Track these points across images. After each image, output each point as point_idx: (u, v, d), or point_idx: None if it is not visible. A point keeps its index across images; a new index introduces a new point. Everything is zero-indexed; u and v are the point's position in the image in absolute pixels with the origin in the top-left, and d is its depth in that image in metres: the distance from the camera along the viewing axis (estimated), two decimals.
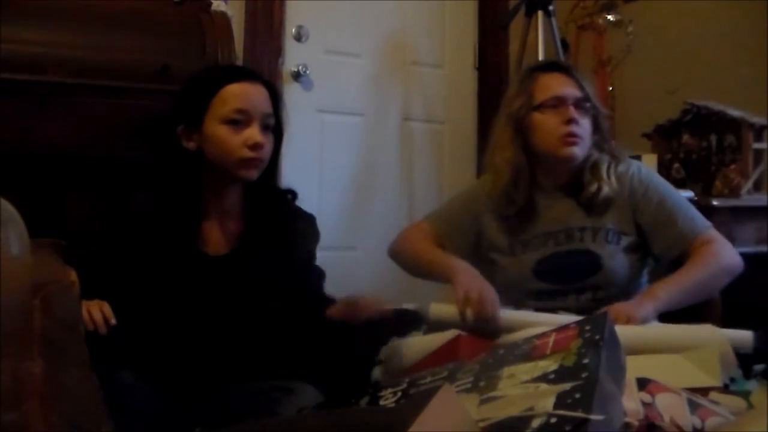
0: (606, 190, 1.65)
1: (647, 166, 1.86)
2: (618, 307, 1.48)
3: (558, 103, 1.65)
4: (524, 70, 1.81)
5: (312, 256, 1.62)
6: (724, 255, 1.61)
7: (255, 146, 1.44)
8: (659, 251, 1.68)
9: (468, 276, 1.58)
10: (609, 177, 1.67)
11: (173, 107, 1.49)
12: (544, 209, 1.71)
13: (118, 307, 1.37)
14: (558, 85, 1.67)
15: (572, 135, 1.63)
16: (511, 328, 1.43)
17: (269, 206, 1.52)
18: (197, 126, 1.45)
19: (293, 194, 1.61)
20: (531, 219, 1.70)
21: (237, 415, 1.33)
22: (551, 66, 1.74)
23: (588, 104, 1.67)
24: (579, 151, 1.65)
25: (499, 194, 1.70)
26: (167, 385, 1.39)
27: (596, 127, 1.69)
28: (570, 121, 1.63)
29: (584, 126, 1.66)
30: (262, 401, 1.35)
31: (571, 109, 1.64)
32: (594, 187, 1.66)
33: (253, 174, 1.47)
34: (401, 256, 1.80)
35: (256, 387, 1.41)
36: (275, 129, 1.51)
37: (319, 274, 1.61)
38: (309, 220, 1.60)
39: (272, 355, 1.47)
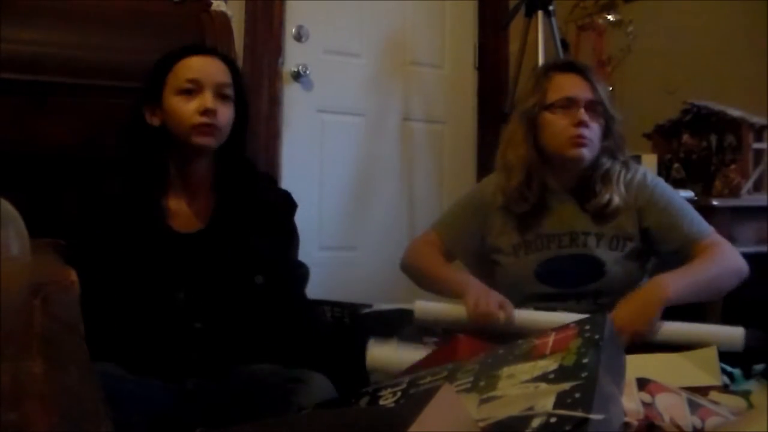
0: (617, 200, 1.65)
1: (651, 171, 1.85)
2: (622, 316, 1.46)
3: (569, 104, 1.64)
4: (541, 68, 1.80)
5: (293, 230, 1.61)
6: (732, 257, 1.61)
7: (206, 112, 1.46)
8: (665, 254, 1.68)
9: (478, 290, 1.58)
10: (619, 186, 1.66)
11: (140, 90, 1.53)
12: (551, 210, 1.71)
13: (102, 294, 1.36)
14: (571, 86, 1.66)
15: (580, 137, 1.62)
16: (521, 331, 1.41)
17: (239, 180, 1.55)
18: (158, 102, 1.50)
19: (271, 180, 1.67)
20: (539, 219, 1.70)
21: (254, 408, 1.32)
22: (567, 66, 1.73)
23: (600, 107, 1.66)
24: (587, 153, 1.64)
25: (513, 191, 1.68)
26: (151, 371, 1.39)
27: (608, 132, 1.68)
28: (579, 123, 1.62)
29: (594, 129, 1.65)
30: (279, 393, 1.34)
31: (582, 111, 1.63)
32: (605, 198, 1.65)
33: (209, 141, 1.48)
34: (412, 271, 1.80)
35: (254, 373, 1.41)
36: (237, 102, 1.54)
37: (303, 274, 1.61)
38: (282, 192, 1.63)
39: (254, 335, 1.48)
